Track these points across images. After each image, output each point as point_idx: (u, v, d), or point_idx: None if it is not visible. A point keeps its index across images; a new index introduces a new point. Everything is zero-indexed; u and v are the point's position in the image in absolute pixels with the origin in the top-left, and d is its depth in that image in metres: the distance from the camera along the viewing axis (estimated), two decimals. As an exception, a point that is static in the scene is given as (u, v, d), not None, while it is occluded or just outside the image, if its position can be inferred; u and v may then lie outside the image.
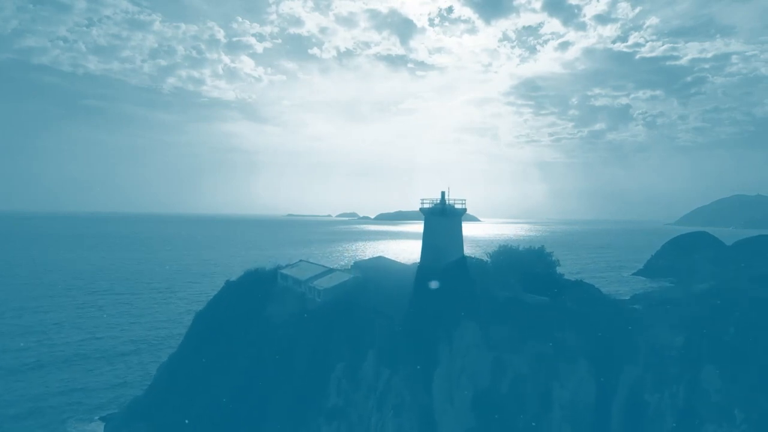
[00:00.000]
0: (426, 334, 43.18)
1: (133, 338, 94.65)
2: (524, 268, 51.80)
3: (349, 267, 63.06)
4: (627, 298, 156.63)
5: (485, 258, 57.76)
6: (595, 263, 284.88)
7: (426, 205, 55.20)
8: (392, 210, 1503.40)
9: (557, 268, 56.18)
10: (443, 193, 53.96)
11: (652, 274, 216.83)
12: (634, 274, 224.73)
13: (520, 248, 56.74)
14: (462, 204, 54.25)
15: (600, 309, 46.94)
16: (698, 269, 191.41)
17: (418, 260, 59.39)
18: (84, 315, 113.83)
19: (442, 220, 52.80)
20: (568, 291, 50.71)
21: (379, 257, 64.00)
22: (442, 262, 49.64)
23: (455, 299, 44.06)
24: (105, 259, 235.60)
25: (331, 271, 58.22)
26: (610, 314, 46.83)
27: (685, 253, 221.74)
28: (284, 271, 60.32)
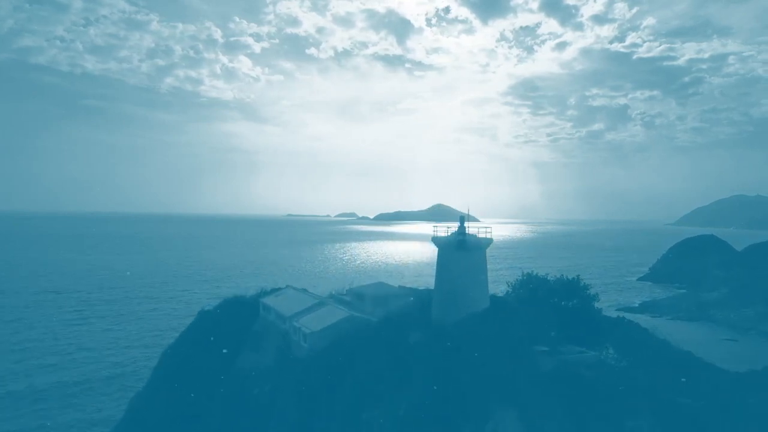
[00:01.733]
0: (445, 428, 30.12)
1: (116, 360, 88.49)
2: (556, 302, 43.15)
3: (344, 292, 54.48)
4: (636, 305, 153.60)
5: (506, 286, 50.34)
6: (598, 266, 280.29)
7: (439, 233, 43.50)
8: (391, 210, 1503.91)
9: (595, 302, 46.31)
10: (462, 219, 42.58)
11: (659, 279, 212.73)
12: (639, 279, 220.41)
13: (549, 278, 47.32)
14: (487, 233, 42.90)
15: (663, 366, 37.02)
16: (708, 275, 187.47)
17: (422, 286, 52.58)
18: (69, 329, 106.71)
19: (461, 255, 40.80)
20: (612, 334, 42.41)
21: (379, 283, 53.20)
22: (461, 312, 38.36)
23: (483, 372, 31.29)
24: (101, 261, 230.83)
25: (321, 304, 48.26)
26: (680, 374, 36.34)
27: (693, 257, 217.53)
28: (267, 301, 51.49)
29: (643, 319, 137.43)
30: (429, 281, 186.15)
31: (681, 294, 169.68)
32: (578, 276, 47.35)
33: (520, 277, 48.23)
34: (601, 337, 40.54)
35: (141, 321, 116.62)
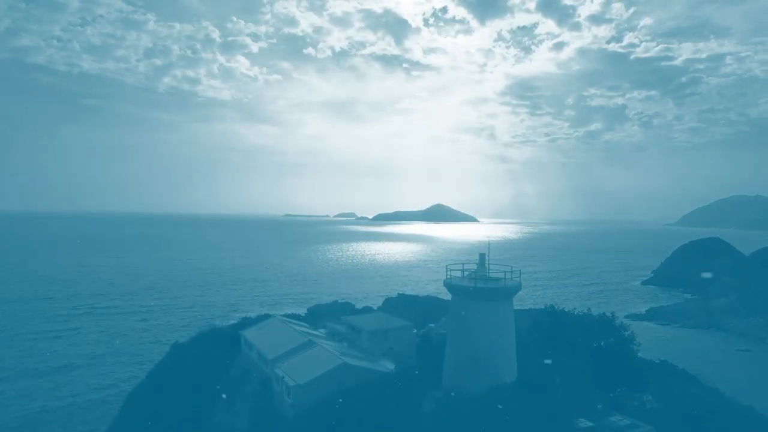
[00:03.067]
0: None
1: (101, 381, 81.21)
2: (587, 343, 36.86)
3: (338, 319, 47.63)
4: (643, 311, 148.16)
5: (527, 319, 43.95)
6: (601, 269, 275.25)
7: (455, 275, 35.03)
8: (390, 210, 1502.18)
9: (633, 344, 39.19)
10: (483, 257, 34.60)
11: (664, 283, 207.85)
12: (644, 282, 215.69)
13: (577, 311, 41.07)
14: (514, 276, 33.88)
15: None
16: (715, 281, 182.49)
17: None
18: (56, 343, 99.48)
19: (483, 307, 32.15)
20: (655, 386, 35.87)
21: (377, 314, 46.28)
22: (483, 382, 30.48)
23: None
24: (97, 264, 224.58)
25: (310, 343, 40.11)
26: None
27: (698, 261, 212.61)
28: (248, 335, 44.63)
29: (651, 327, 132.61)
30: (428, 288, 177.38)
31: (688, 300, 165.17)
32: (613, 313, 40.67)
33: (543, 308, 41.56)
34: (640, 383, 34.20)
35: (132, 332, 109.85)
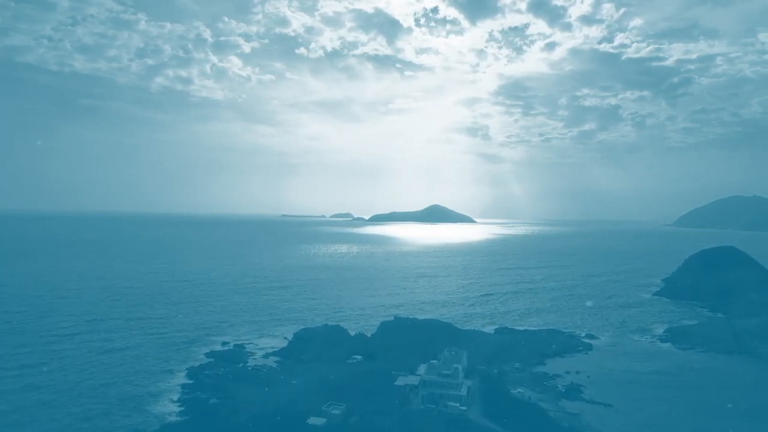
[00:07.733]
0: None
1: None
2: None
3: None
4: (661, 331, 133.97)
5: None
6: (606, 277, 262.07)
7: None
8: (386, 211, 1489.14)
9: None
10: None
11: (677, 296, 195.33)
12: (655, 293, 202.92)
13: None
14: None
15: None
16: (735, 294, 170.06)
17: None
18: (16, 389, 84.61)
19: None
20: None
21: None
22: None
23: None
24: (85, 272, 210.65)
25: None
26: None
27: (712, 271, 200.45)
28: None
29: (673, 352, 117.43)
30: (427, 308, 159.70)
31: (711, 319, 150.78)
32: None
33: None
34: None
35: (99, 370, 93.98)
